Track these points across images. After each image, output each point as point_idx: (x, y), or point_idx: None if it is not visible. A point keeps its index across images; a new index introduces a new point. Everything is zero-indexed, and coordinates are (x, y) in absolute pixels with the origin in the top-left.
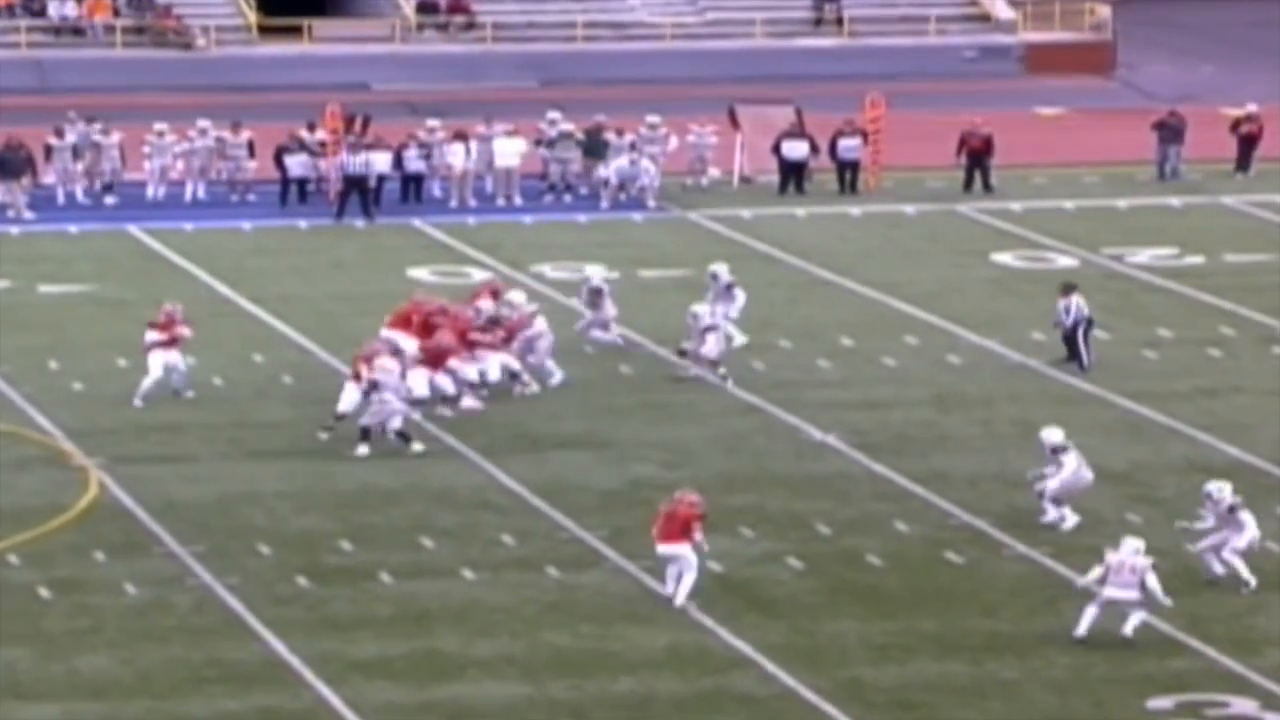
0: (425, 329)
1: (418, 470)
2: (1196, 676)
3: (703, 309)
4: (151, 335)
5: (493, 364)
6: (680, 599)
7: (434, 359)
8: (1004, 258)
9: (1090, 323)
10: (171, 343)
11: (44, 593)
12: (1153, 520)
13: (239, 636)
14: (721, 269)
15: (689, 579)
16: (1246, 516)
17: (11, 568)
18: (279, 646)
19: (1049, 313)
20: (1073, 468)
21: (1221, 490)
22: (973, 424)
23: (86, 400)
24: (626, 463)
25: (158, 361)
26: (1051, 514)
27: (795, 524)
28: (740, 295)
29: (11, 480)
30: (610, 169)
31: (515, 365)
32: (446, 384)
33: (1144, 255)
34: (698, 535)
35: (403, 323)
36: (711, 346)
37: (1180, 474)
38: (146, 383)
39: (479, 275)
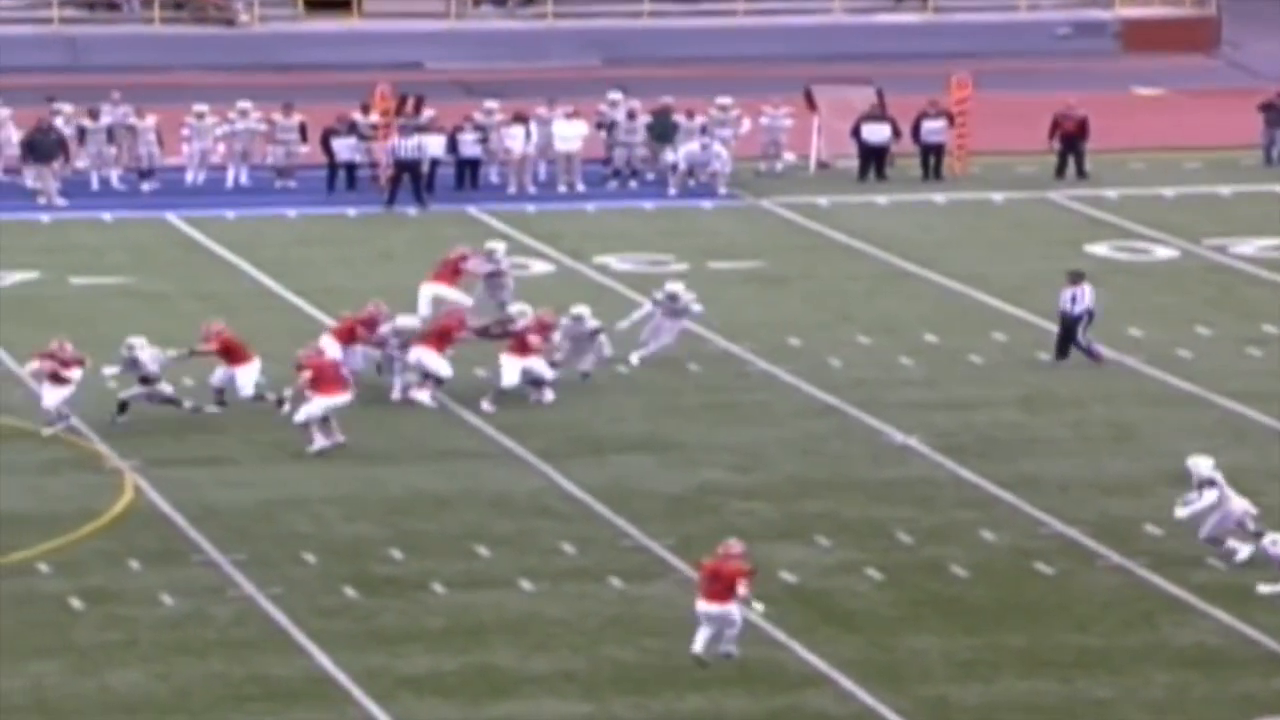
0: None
1: (472, 475)
2: None
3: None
4: (34, 365)
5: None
6: (725, 649)
7: (438, 338)
8: (1098, 249)
9: (1091, 316)
10: (57, 379)
11: (75, 603)
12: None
13: (282, 651)
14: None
15: (732, 634)
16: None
17: (41, 576)
18: (324, 661)
19: (1146, 308)
20: (1210, 502)
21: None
22: (1064, 426)
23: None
24: (694, 466)
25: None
26: (1242, 551)
27: (874, 532)
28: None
29: (41, 484)
30: (679, 153)
31: (548, 374)
32: (440, 366)
33: (1249, 246)
34: (743, 591)
35: (448, 275)
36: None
37: None
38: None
39: (538, 266)
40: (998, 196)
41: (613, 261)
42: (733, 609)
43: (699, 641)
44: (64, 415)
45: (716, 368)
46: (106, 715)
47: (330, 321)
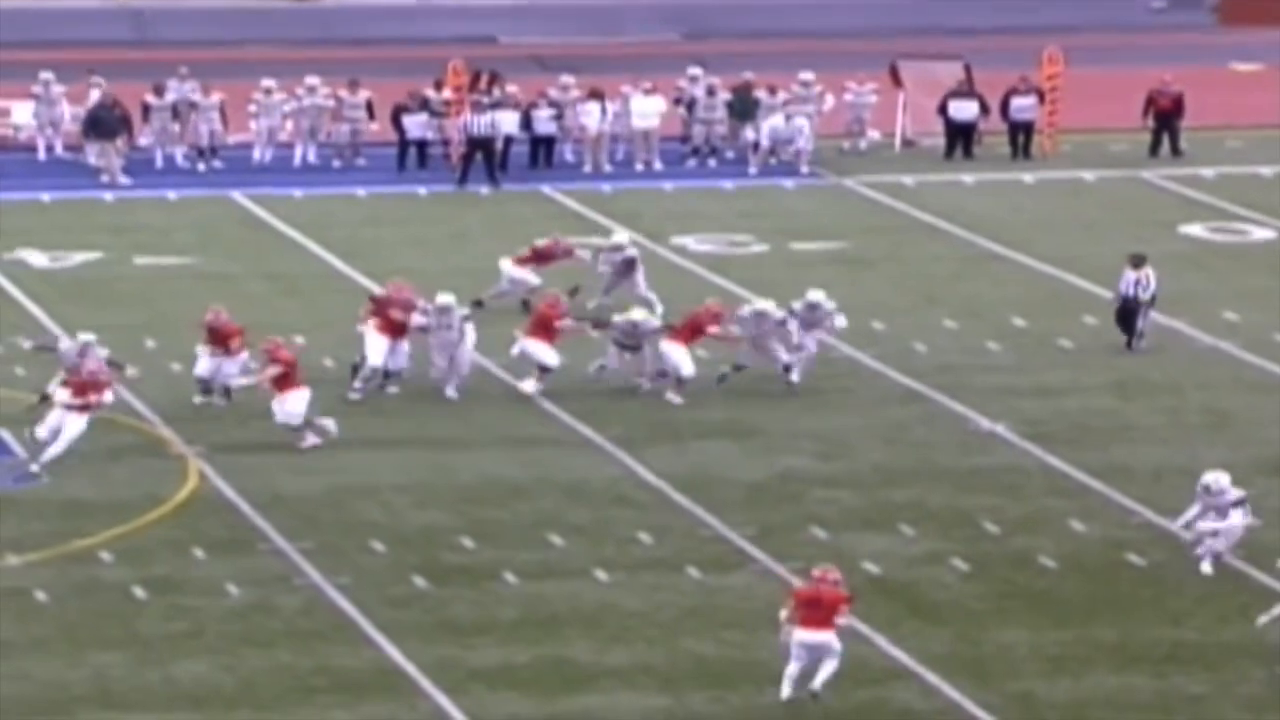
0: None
1: (547, 462)
2: None
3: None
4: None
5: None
6: (817, 685)
7: (541, 328)
8: (1194, 229)
9: (1154, 300)
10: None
11: (139, 593)
12: None
13: (350, 642)
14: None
15: (830, 667)
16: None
17: (104, 565)
18: (394, 653)
19: (1243, 291)
20: (1240, 524)
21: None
22: (1157, 413)
23: (186, 382)
24: (775, 454)
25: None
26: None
27: (960, 522)
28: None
29: (105, 470)
30: (761, 130)
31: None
32: (548, 355)
33: None
34: (843, 620)
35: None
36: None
37: None
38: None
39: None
40: (1089, 176)
41: (690, 242)
42: (833, 638)
43: (788, 683)
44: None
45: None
46: (171, 707)
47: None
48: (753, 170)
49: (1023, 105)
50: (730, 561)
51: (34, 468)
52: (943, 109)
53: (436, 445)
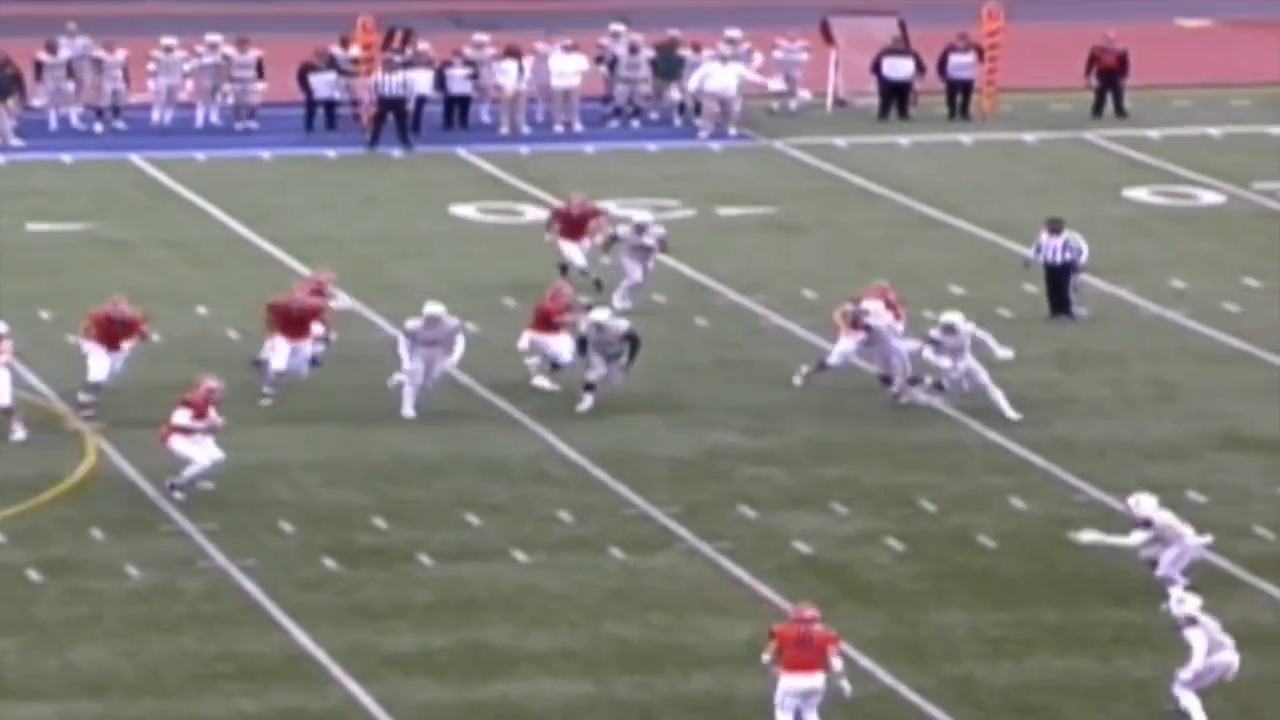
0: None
1: (463, 438)
2: None
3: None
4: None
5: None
6: None
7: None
8: (1139, 193)
9: (1075, 268)
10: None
11: (35, 576)
12: None
13: (257, 626)
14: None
15: (813, 703)
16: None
17: None
18: (303, 638)
19: (1191, 258)
20: (1174, 553)
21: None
22: (1101, 385)
23: (82, 357)
24: (702, 429)
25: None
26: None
27: (896, 500)
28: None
29: None
30: (714, 86)
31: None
32: (562, 349)
33: None
34: (837, 663)
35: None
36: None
37: None
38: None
39: (533, 213)
40: (1030, 137)
41: (613, 208)
42: (823, 681)
43: None
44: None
45: (727, 323)
46: (69, 696)
47: (305, 271)
48: (703, 135)
49: (961, 63)
50: (655, 541)
51: None
52: (877, 67)
53: (348, 421)
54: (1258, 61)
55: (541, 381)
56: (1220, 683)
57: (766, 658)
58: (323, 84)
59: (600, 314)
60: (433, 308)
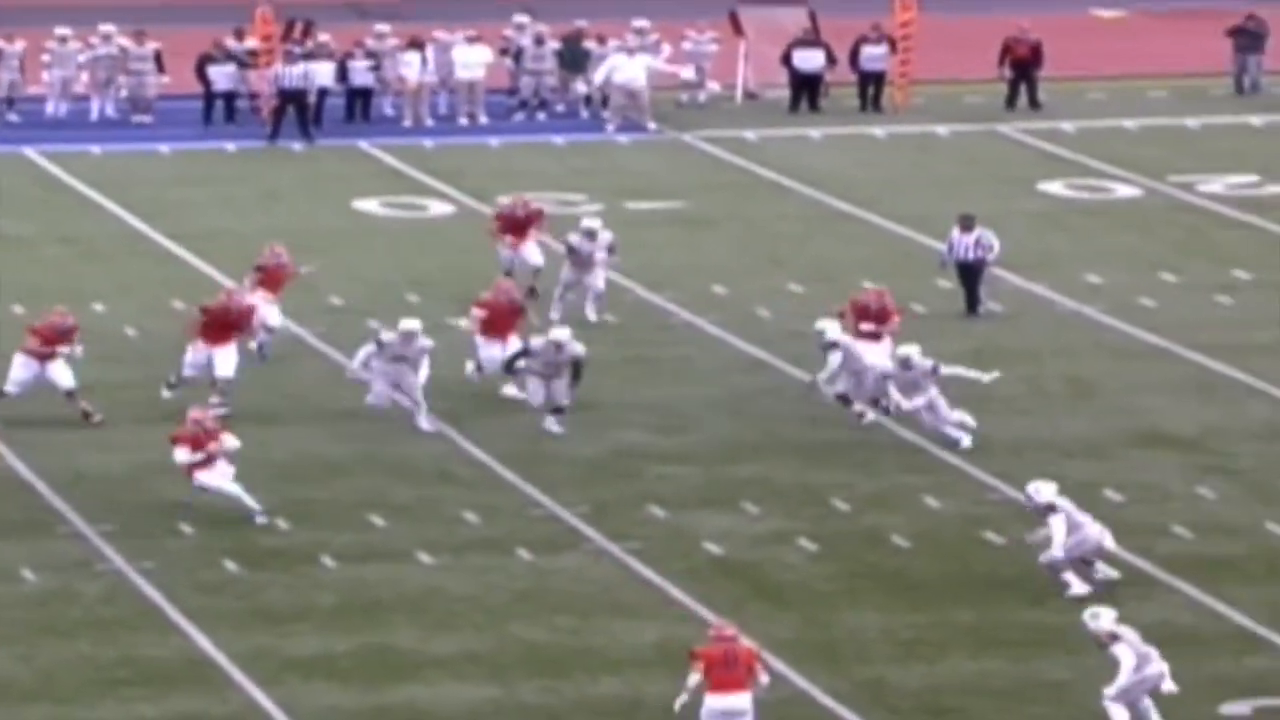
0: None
1: (367, 437)
2: (1279, 678)
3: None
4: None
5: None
6: None
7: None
8: (1053, 187)
9: (985, 264)
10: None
11: None
12: (1229, 493)
13: (157, 630)
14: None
15: None
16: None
17: None
18: (203, 642)
19: (1106, 252)
20: (1062, 533)
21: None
22: (1016, 382)
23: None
24: (610, 428)
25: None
26: (1075, 587)
27: (808, 499)
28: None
29: None
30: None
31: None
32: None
33: (1218, 184)
34: (765, 679)
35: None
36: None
37: (1261, 440)
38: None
39: (437, 208)
40: (943, 130)
41: None
42: (749, 700)
43: None
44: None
45: (634, 319)
46: None
47: (204, 267)
48: (610, 128)
49: (873, 54)
50: (562, 542)
51: None
52: (787, 59)
53: (249, 420)
54: (1174, 52)
55: (511, 390)
56: (1151, 693)
57: (694, 680)
58: (221, 76)
59: (561, 333)
60: (409, 324)
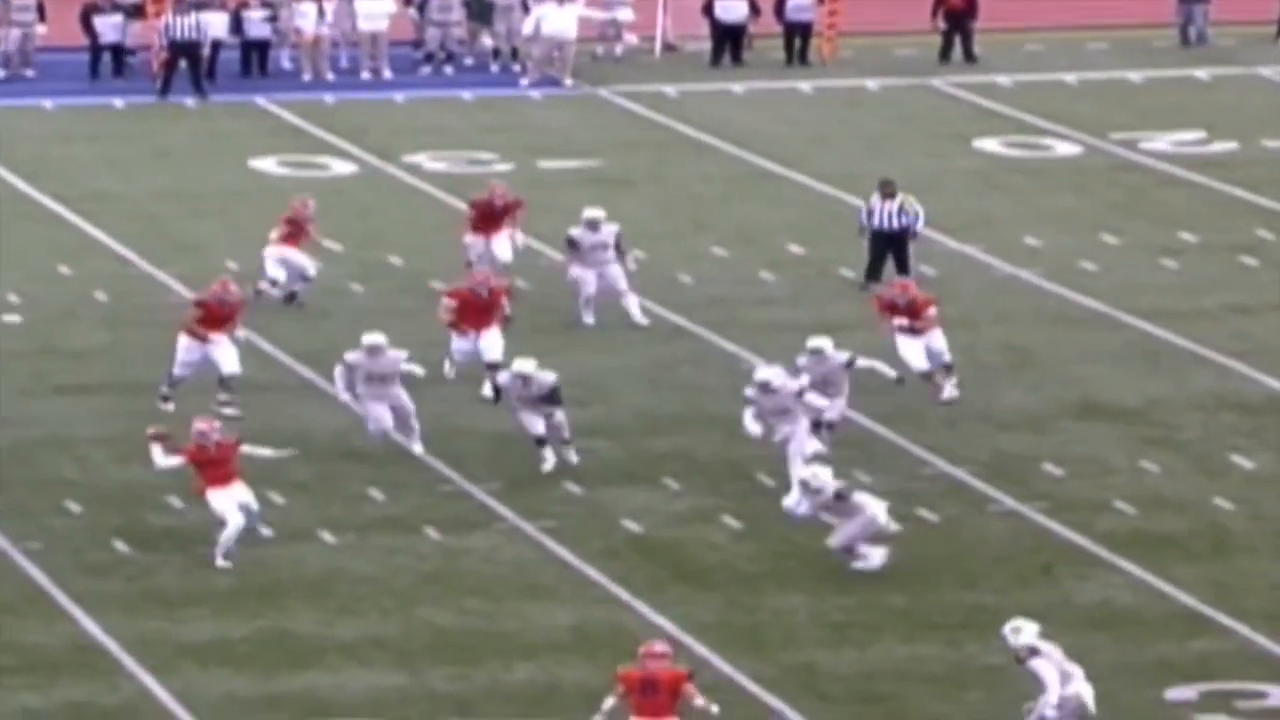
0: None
1: (266, 409)
2: (1225, 661)
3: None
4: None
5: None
6: None
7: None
8: (990, 144)
9: (913, 234)
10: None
11: None
12: (1173, 467)
13: (42, 615)
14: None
15: None
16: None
17: None
18: (92, 627)
19: (1045, 213)
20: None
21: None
22: (951, 350)
23: None
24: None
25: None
26: (874, 557)
27: (732, 475)
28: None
29: None
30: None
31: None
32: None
33: (1163, 141)
34: (698, 700)
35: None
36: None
37: (1207, 411)
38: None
39: (339, 167)
40: (873, 84)
41: (425, 161)
42: None
43: None
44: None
45: (549, 285)
46: None
47: (92, 230)
48: (524, 82)
49: (799, 4)
50: (473, 520)
51: None
52: (708, 9)
53: (139, 391)
54: (1116, 2)
55: (488, 390)
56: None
57: (609, 703)
58: (108, 27)
59: (524, 365)
60: (373, 337)
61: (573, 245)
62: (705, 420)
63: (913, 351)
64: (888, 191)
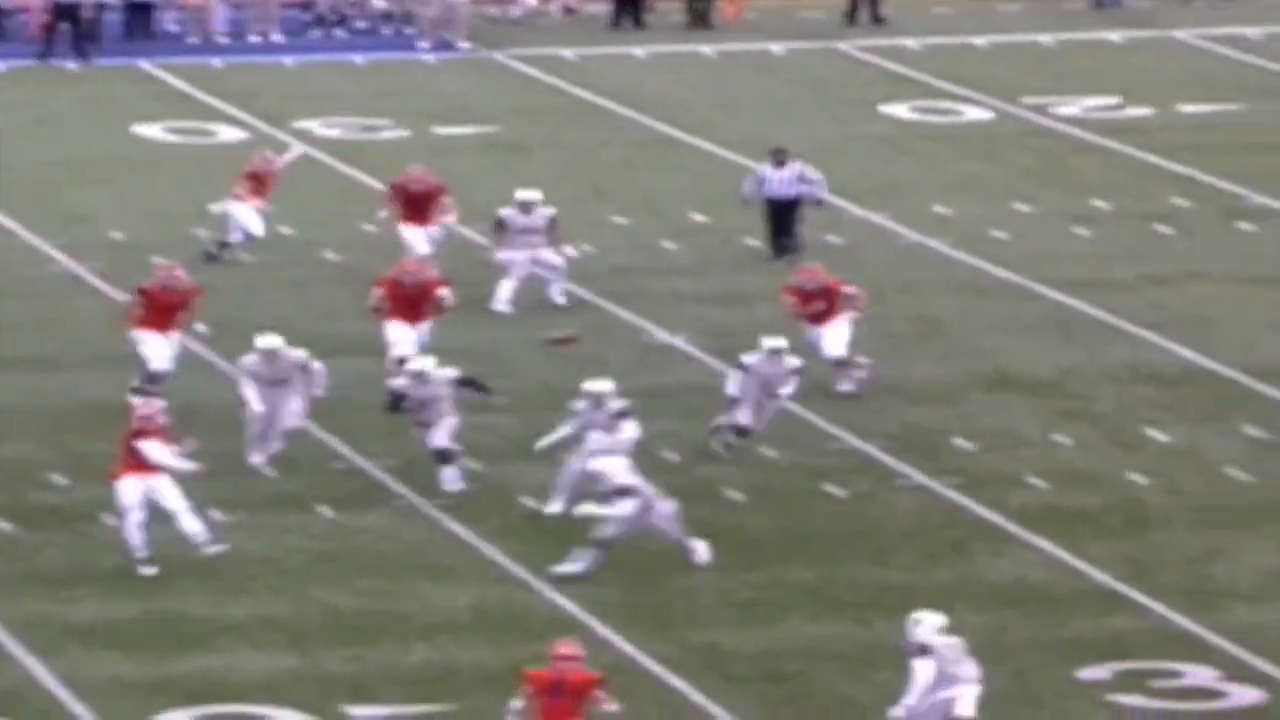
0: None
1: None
2: (1140, 639)
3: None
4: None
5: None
6: None
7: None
8: (898, 109)
9: (800, 203)
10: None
11: None
12: (1088, 440)
13: None
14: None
15: None
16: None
17: None
18: None
19: (955, 180)
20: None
21: (921, 624)
22: (858, 321)
23: None
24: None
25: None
26: (700, 552)
27: (635, 450)
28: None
29: None
30: None
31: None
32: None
33: (1076, 106)
34: (608, 706)
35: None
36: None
37: (1121, 383)
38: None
39: (227, 133)
40: (778, 48)
41: (316, 127)
42: None
43: None
44: None
45: (446, 254)
46: None
47: None
48: (423, 44)
49: None
50: (367, 498)
51: None
52: None
53: (22, 364)
54: None
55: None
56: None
57: (516, 705)
58: None
59: (421, 363)
60: (267, 341)
61: (501, 227)
62: None
63: (821, 337)
64: (780, 159)
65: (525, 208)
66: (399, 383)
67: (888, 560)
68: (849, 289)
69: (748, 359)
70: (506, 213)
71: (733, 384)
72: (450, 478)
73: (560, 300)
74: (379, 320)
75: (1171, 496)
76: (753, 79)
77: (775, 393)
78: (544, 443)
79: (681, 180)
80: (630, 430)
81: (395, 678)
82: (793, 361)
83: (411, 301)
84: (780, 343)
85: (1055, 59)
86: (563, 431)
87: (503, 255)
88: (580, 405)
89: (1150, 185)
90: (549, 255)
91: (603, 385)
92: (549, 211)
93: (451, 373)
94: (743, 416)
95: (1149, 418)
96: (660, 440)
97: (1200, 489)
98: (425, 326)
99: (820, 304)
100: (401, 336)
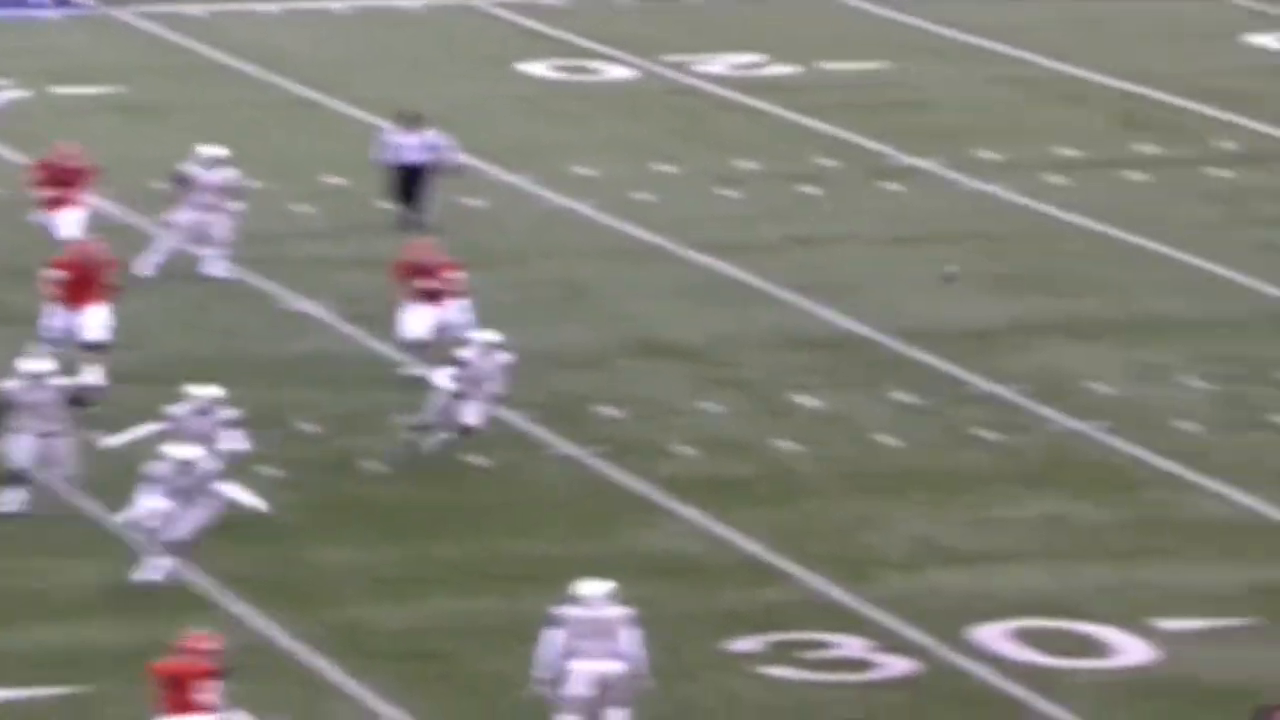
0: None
1: None
2: (792, 610)
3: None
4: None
5: None
6: None
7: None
8: (535, 68)
9: (426, 170)
10: None
11: None
12: (737, 407)
13: None
14: None
15: None
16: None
17: None
18: None
19: (596, 141)
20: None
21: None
22: (502, 288)
23: None
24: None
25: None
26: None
27: (271, 420)
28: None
29: None
30: None
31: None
32: None
33: (718, 63)
34: (212, 697)
35: None
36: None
37: (770, 349)
38: None
39: None
40: (413, 3)
41: None
42: None
43: None
44: None
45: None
46: None
47: None
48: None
49: None
50: None
51: None
52: None
53: None
54: None
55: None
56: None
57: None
58: None
59: (37, 365)
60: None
61: (183, 183)
62: (242, 364)
63: (417, 320)
64: (410, 122)
65: (208, 165)
66: (8, 384)
67: (535, 532)
68: (456, 273)
69: (463, 353)
70: (191, 168)
71: (445, 378)
72: (9, 500)
73: (221, 274)
74: (55, 303)
75: (822, 464)
76: (386, 36)
77: (485, 388)
78: (118, 440)
79: (316, 142)
80: (237, 441)
81: (23, 660)
82: (504, 356)
83: (87, 284)
84: (494, 336)
85: (697, 15)
86: (144, 430)
87: (176, 216)
88: (179, 409)
89: (796, 145)
90: (219, 226)
91: (211, 390)
92: (233, 173)
93: (69, 383)
94: (470, 416)
95: (798, 383)
96: (296, 411)
97: (851, 456)
98: (94, 311)
99: (426, 281)
100: (62, 324)
